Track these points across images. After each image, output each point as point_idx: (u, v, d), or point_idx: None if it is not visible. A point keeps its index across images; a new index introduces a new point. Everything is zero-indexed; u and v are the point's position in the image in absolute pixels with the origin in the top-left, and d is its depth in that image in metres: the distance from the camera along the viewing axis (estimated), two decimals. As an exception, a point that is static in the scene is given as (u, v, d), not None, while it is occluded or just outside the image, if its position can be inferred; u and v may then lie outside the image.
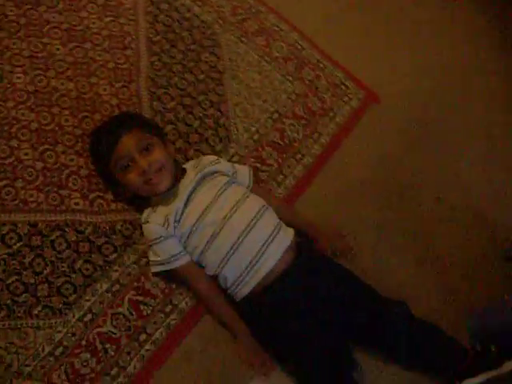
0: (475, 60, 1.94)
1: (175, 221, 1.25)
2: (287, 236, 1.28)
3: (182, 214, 1.25)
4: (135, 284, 1.31)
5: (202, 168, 1.33)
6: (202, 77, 1.64)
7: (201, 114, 1.57)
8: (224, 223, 1.23)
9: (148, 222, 1.28)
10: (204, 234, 1.23)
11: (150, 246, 1.29)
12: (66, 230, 1.33)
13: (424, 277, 1.46)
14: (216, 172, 1.34)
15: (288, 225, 1.33)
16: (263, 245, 1.22)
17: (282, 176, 1.53)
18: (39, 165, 1.40)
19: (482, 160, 1.70)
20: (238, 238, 1.21)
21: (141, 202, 1.34)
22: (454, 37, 1.97)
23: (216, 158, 1.40)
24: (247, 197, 1.30)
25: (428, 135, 1.72)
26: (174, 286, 1.32)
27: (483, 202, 1.61)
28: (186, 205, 1.26)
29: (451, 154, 1.69)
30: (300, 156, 1.58)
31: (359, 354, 1.28)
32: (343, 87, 1.74)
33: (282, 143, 1.59)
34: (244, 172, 1.42)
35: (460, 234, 1.55)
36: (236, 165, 1.44)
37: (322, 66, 1.77)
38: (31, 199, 1.35)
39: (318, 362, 1.17)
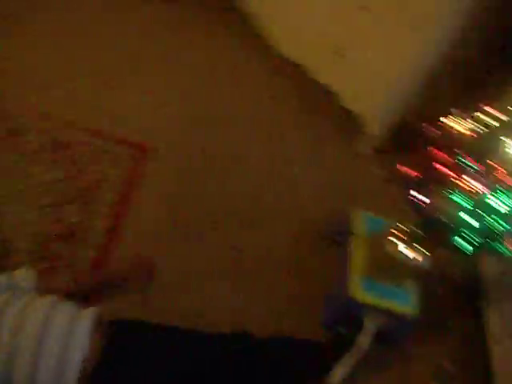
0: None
1: None
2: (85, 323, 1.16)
3: None
4: None
5: None
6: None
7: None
8: (10, 345, 1.09)
9: None
10: None
11: None
12: None
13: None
14: None
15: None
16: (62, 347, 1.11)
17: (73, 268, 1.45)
18: None
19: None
20: (31, 357, 1.08)
21: None
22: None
23: None
24: (27, 309, 1.19)
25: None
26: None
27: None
28: None
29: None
30: (88, 236, 1.52)
31: None
32: (112, 153, 1.73)
33: (65, 232, 1.52)
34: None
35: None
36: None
37: (83, 140, 1.74)
38: None
39: None
